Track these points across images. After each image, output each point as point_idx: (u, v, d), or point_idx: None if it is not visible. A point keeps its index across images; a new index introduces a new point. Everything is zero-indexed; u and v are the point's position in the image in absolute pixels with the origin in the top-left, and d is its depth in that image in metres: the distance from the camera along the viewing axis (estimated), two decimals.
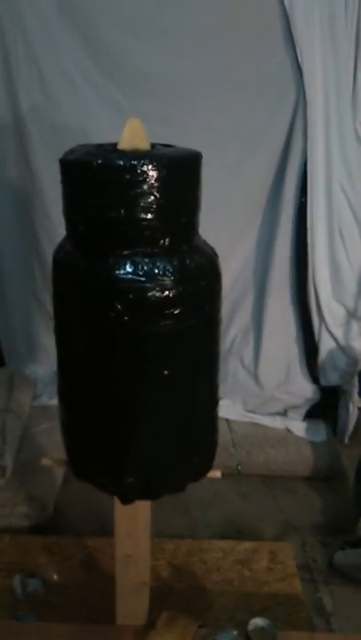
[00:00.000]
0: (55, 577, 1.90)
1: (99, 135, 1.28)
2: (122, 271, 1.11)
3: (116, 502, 1.39)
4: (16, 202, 2.50)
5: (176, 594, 1.86)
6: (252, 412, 2.69)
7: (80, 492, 2.23)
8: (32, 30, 2.16)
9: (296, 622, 1.78)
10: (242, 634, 1.57)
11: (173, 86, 2.20)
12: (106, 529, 2.02)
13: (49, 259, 1.28)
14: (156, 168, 1.07)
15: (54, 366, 1.37)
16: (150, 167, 1.06)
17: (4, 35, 2.18)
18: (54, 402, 2.52)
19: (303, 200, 2.33)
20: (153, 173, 1.07)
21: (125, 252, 1.12)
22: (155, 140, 1.22)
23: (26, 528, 2.10)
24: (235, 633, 1.58)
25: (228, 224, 2.37)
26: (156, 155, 1.11)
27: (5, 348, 2.85)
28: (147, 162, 1.06)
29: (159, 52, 2.15)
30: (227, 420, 2.60)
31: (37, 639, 1.58)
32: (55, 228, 2.21)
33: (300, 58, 2.11)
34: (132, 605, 1.59)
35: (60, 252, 1.24)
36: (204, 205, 1.26)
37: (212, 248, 1.29)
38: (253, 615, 1.69)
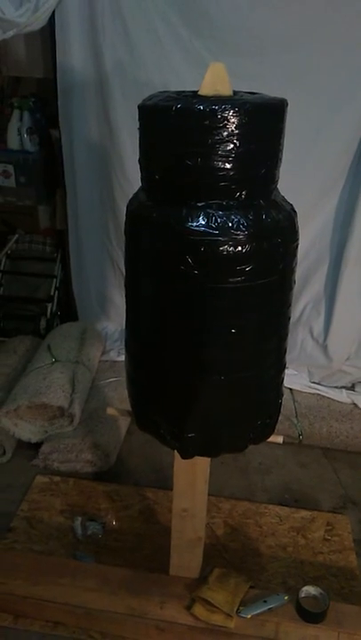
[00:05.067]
0: (114, 523, 1.98)
1: None
2: (194, 223, 1.08)
3: (177, 457, 1.41)
4: (95, 159, 2.51)
5: (230, 552, 1.88)
6: (318, 383, 2.63)
7: (142, 445, 2.30)
8: None
9: (349, 596, 1.76)
10: (293, 599, 1.57)
11: (259, 41, 2.10)
12: (163, 483, 2.08)
13: (124, 218, 1.26)
14: (238, 114, 1.02)
15: (124, 324, 1.38)
16: (231, 113, 1.01)
17: None
18: (122, 358, 2.60)
19: None
20: (234, 119, 1.02)
21: (200, 204, 1.09)
22: None
23: (89, 474, 2.19)
24: (285, 598, 1.58)
25: (309, 186, 2.27)
26: (238, 100, 1.05)
27: (79, 305, 2.94)
28: (228, 107, 1.01)
29: (247, 6, 2.05)
30: (290, 390, 2.56)
31: (93, 579, 1.65)
32: (131, 185, 2.21)
33: None
34: (186, 558, 1.63)
35: (133, 203, 1.23)
36: (286, 164, 1.19)
37: (291, 205, 1.23)
38: (306, 583, 1.69)
